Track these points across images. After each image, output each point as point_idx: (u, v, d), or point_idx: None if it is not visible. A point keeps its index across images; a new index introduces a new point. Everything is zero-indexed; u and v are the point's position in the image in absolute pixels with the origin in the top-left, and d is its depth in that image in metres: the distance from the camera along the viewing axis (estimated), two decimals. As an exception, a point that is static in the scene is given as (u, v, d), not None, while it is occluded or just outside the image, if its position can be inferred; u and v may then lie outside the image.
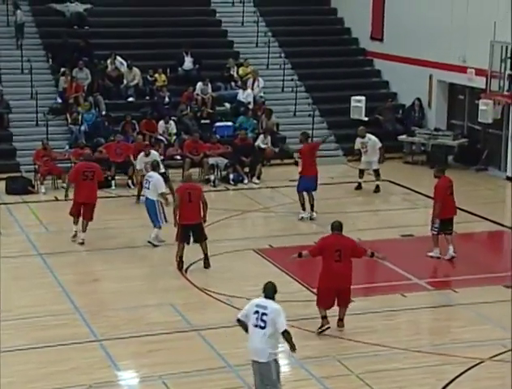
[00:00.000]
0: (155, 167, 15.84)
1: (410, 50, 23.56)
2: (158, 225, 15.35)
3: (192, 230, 14.19)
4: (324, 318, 11.87)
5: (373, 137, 19.68)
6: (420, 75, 23.13)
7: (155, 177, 15.48)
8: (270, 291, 9.37)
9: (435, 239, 14.74)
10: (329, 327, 11.73)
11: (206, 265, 14.30)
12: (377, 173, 19.61)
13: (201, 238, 14.28)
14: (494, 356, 11.01)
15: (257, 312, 9.26)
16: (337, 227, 11.77)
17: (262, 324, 9.21)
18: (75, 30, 24.42)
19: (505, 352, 11.08)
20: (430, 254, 14.77)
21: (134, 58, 23.44)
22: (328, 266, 11.63)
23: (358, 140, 19.67)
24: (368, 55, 25.89)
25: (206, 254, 14.34)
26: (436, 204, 14.56)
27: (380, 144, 19.63)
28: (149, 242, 15.34)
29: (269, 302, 9.32)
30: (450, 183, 14.79)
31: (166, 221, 15.26)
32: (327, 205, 18.01)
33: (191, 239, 14.24)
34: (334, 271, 11.57)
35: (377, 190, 19.40)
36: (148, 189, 15.48)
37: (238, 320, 9.48)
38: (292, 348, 9.42)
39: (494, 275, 14.06)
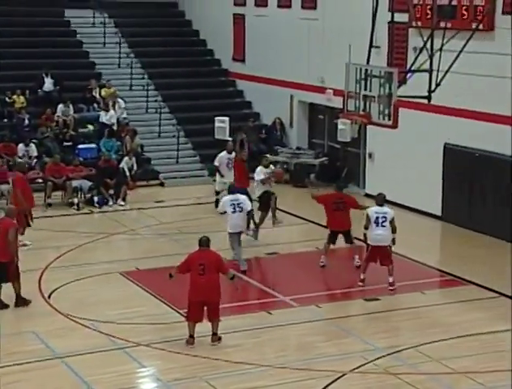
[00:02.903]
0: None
1: (271, 71, 24.09)
2: None
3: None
4: (191, 336, 11.98)
5: None
6: (282, 96, 23.68)
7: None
8: (233, 189, 15.76)
9: (324, 248, 15.48)
10: (192, 347, 11.88)
11: (18, 303, 13.29)
12: None
13: (4, 278, 13.24)
14: (355, 368, 11.34)
15: (233, 204, 14.94)
16: (204, 242, 12.15)
17: (240, 209, 14.90)
18: None
19: (365, 363, 11.46)
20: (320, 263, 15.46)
21: (-9, 79, 22.79)
22: (193, 280, 11.95)
23: (224, 155, 19.57)
24: (230, 76, 26.26)
25: (17, 295, 13.32)
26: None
27: None
28: None
29: (240, 196, 15.19)
30: (335, 199, 15.38)
31: None
32: (193, 225, 18.08)
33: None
34: (198, 285, 11.88)
35: None
36: None
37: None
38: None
39: (355, 290, 14.53)
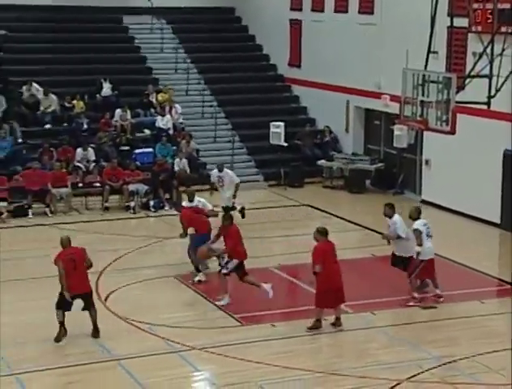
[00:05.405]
0: None
1: (327, 77, 24.01)
2: None
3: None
4: (318, 320, 12.72)
5: (230, 172, 18.79)
6: (338, 101, 23.58)
7: None
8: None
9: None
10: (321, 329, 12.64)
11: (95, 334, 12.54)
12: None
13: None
14: (411, 376, 11.17)
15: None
16: (324, 232, 12.77)
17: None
18: (-11, 56, 24.01)
19: (421, 372, 11.28)
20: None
21: (51, 85, 23.12)
22: (330, 268, 12.56)
23: (215, 173, 18.57)
24: (286, 81, 26.25)
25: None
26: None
27: (238, 180, 18.64)
28: None
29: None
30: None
31: None
32: (250, 230, 18.00)
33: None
34: (335, 272, 12.62)
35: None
36: None
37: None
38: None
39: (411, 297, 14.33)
